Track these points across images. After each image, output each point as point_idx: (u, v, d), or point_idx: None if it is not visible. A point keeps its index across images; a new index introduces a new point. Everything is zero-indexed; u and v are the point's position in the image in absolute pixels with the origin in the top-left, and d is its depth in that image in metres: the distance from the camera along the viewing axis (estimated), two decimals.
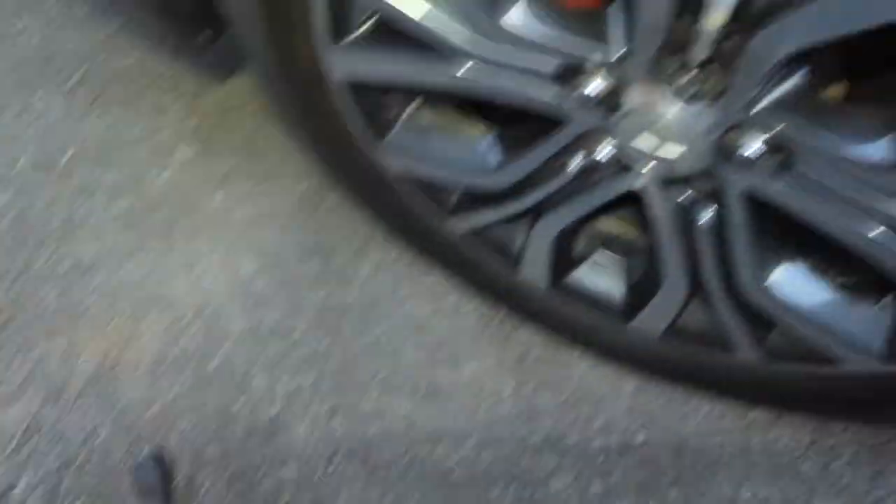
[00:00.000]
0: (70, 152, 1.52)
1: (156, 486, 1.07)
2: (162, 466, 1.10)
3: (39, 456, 1.19)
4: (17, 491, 1.16)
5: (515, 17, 0.74)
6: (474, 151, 0.97)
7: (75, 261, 1.39)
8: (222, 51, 1.56)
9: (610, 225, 1.12)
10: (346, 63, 0.90)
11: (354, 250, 1.38)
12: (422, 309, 1.31)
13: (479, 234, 1.11)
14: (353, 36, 0.87)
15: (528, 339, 1.27)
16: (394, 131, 1.01)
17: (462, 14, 0.74)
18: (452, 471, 1.16)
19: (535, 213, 1.01)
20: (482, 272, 1.19)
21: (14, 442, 1.20)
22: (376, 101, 0.98)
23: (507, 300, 1.24)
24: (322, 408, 1.22)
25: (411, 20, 0.78)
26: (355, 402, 1.22)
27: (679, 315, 1.02)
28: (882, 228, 0.72)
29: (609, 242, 1.12)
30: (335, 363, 1.26)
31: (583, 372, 1.23)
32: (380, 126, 1.00)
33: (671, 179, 0.86)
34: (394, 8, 0.78)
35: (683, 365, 1.10)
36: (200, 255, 1.39)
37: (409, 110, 1.00)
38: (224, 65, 1.60)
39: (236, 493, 1.14)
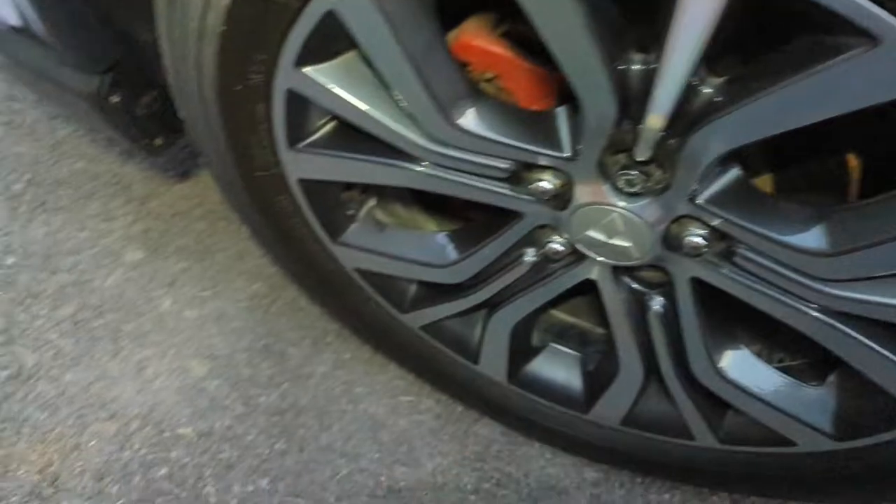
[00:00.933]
0: (12, 259, 1.49)
1: None
2: None
3: None
4: None
5: (470, 118, 0.78)
6: (430, 247, 0.99)
7: (16, 369, 1.34)
8: (174, 154, 1.58)
9: (564, 316, 1.15)
10: (304, 164, 0.92)
11: (308, 350, 1.37)
12: (379, 407, 1.30)
13: (435, 329, 1.12)
14: (311, 138, 0.90)
15: (488, 434, 1.26)
16: (351, 228, 1.03)
17: (419, 116, 0.78)
18: None
19: (492, 305, 1.03)
20: (439, 367, 1.19)
21: None
22: (334, 199, 1.00)
23: (466, 395, 1.24)
24: None
25: (370, 121, 0.81)
26: None
27: (636, 403, 1.04)
28: (821, 311, 0.76)
29: (564, 333, 1.15)
30: (291, 466, 1.23)
31: (543, 464, 1.23)
32: (338, 223, 1.02)
33: (622, 269, 0.90)
34: (353, 110, 0.81)
35: (643, 453, 1.11)
36: (148, 360, 1.36)
37: (366, 207, 1.03)
38: (175, 168, 1.62)
39: None
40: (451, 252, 0.98)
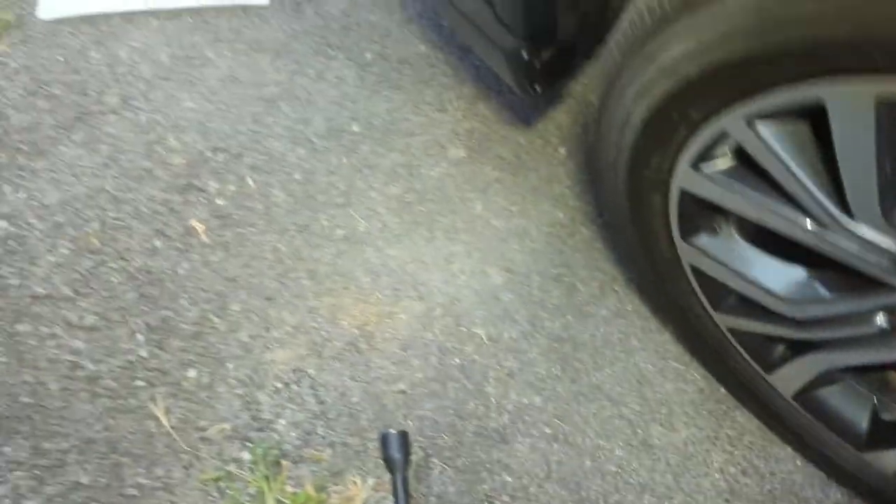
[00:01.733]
0: (357, 127, 1.69)
1: (398, 459, 1.23)
2: (405, 443, 1.27)
3: (300, 400, 1.39)
4: (277, 426, 1.37)
5: None
6: (782, 277, 1.04)
7: (350, 231, 1.56)
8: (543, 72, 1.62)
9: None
10: (694, 181, 0.98)
11: (595, 291, 1.49)
12: (649, 364, 1.42)
13: (742, 333, 1.19)
14: (711, 165, 0.96)
15: (745, 423, 1.36)
16: (706, 234, 1.09)
17: (855, 198, 0.81)
18: None
19: (813, 346, 1.08)
20: (723, 356, 1.27)
21: (280, 383, 1.41)
22: (703, 213, 1.06)
23: (735, 385, 1.33)
24: (544, 430, 1.36)
25: (792, 179, 0.86)
26: (574, 434, 1.36)
27: None
28: None
29: (864, 371, 1.18)
30: (561, 393, 1.39)
31: (792, 469, 1.31)
32: (695, 228, 1.08)
33: None
34: (780, 165, 0.85)
35: None
36: (456, 255, 1.54)
37: (727, 227, 1.08)
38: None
39: (462, 484, 1.30)
40: (798, 289, 1.03)
